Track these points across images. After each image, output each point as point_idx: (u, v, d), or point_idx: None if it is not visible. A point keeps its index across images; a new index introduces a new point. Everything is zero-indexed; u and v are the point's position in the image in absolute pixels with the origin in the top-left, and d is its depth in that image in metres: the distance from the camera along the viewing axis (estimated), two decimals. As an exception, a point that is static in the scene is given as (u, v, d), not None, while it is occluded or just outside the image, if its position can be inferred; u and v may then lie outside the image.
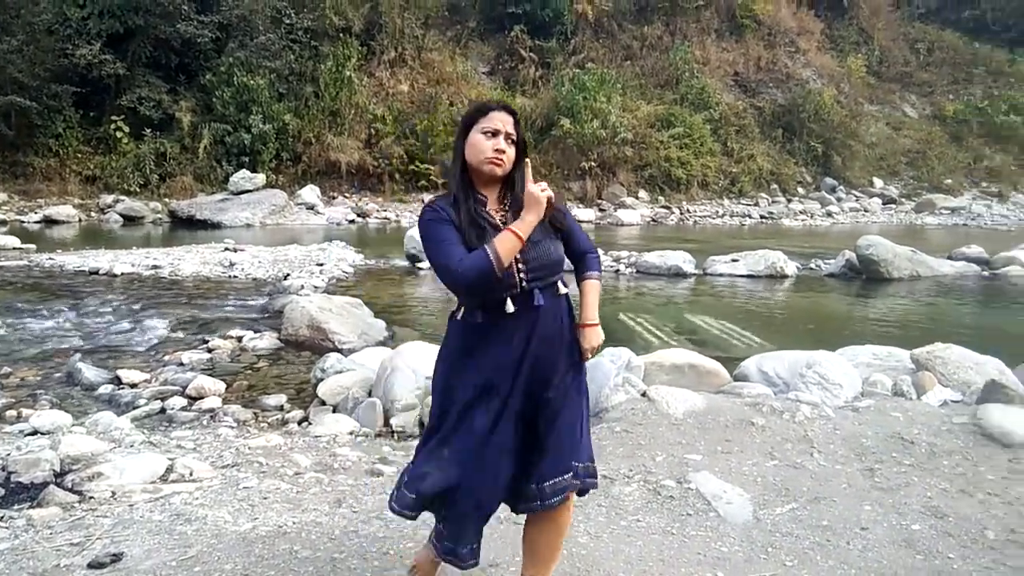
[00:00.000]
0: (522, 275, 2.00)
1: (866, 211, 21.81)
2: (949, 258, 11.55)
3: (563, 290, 2.11)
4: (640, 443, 3.70)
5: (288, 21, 19.80)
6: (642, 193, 21.86)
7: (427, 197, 19.87)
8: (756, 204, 22.19)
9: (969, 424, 3.68)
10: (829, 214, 21.09)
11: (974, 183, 25.83)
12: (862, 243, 10.59)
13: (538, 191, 1.98)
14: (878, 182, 24.64)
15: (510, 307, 1.99)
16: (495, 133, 2.03)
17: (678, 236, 15.78)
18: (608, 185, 21.70)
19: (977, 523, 2.97)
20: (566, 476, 2.11)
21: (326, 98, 19.90)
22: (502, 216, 2.07)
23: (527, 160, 2.14)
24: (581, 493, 2.23)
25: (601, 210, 20.31)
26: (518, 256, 1.98)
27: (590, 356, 2.19)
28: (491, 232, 1.99)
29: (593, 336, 2.17)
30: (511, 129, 2.06)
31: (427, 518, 2.30)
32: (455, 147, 2.11)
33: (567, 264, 2.15)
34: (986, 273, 11.07)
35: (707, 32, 27.01)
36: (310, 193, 18.25)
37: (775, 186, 23.45)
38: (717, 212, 21.08)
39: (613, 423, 3.91)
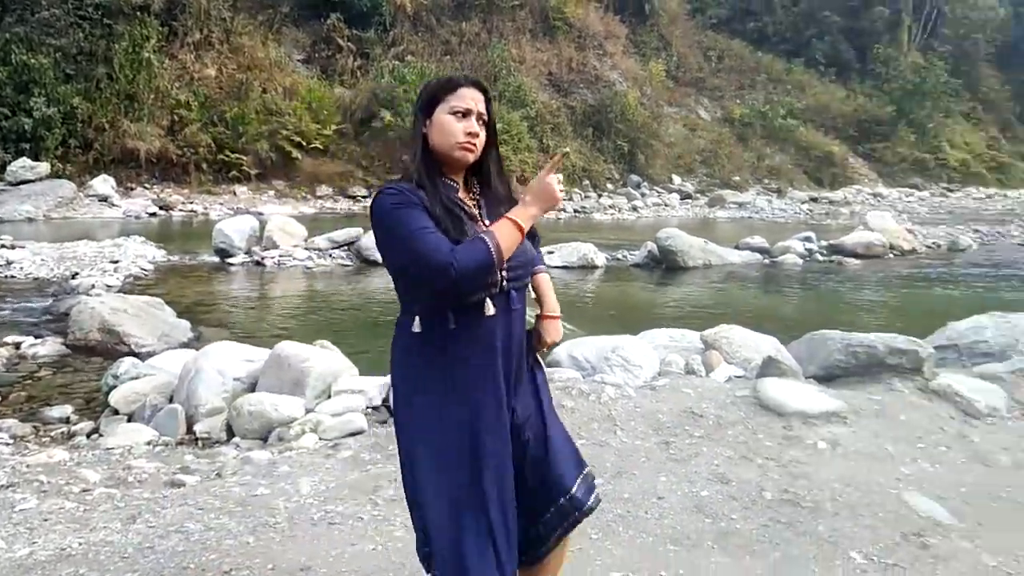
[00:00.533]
0: (503, 273, 1.73)
1: (667, 206, 23.45)
2: (736, 248, 12.70)
3: (532, 294, 1.92)
4: (456, 433, 3.75)
5: (75, -5, 17.93)
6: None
7: (239, 189, 18.96)
8: (570, 199, 23.15)
9: (749, 397, 4.09)
10: (635, 208, 22.45)
11: (758, 180, 28.56)
12: (661, 235, 11.41)
13: (556, 185, 1.76)
14: (676, 179, 26.56)
15: (491, 309, 1.71)
16: (466, 113, 1.76)
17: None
18: (429, 179, 21.72)
19: (756, 486, 3.31)
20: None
21: (121, 81, 18.23)
22: (473, 205, 1.83)
23: (564, 151, 1.99)
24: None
25: (423, 205, 20.30)
26: None
27: (547, 352, 2.04)
28: (469, 223, 1.73)
29: (554, 329, 1.98)
30: (483, 108, 1.79)
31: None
32: (414, 125, 1.82)
33: None
34: (767, 261, 12.30)
35: (522, 32, 27.75)
36: (103, 184, 16.67)
37: (587, 182, 24.60)
38: (534, 206, 21.75)
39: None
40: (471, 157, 1.79)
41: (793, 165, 30.01)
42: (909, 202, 27.16)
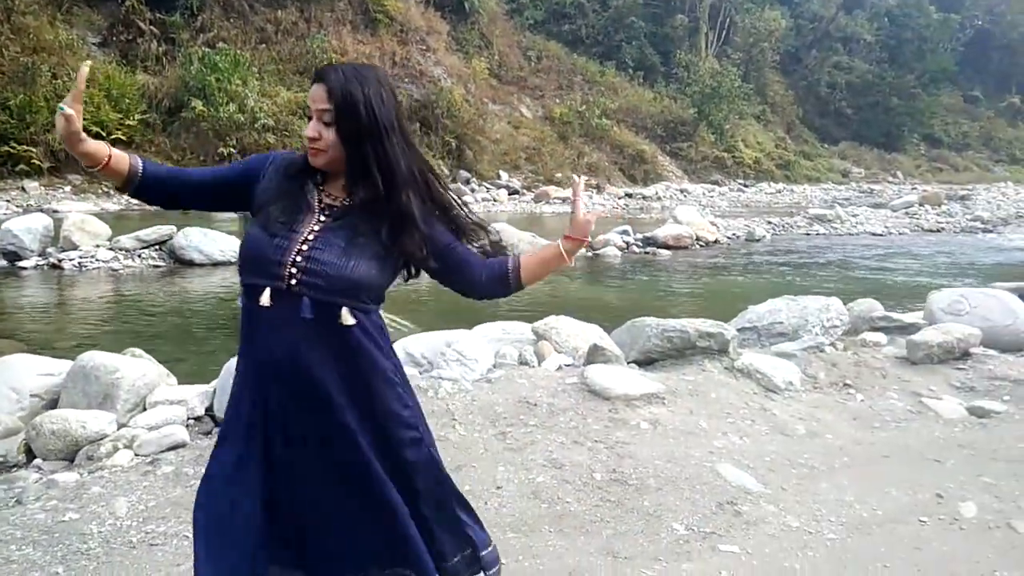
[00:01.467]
0: (292, 269, 1.60)
1: (496, 201, 23.91)
2: (562, 242, 13.21)
3: (349, 321, 1.62)
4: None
5: None
6: (285, 182, 21.26)
7: (29, 185, 17.02)
8: (398, 194, 23.01)
9: (578, 384, 4.28)
10: (465, 204, 22.67)
11: (578, 175, 29.86)
12: (491, 230, 11.63)
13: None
14: (504, 175, 27.14)
15: (266, 300, 1.59)
16: (311, 114, 1.66)
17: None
18: (249, 173, 20.68)
19: (587, 468, 3.48)
20: None
21: None
22: (340, 206, 1.69)
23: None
24: None
25: (243, 200, 19.29)
26: (300, 246, 1.60)
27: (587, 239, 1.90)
28: (298, 213, 1.64)
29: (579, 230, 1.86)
30: (325, 105, 1.62)
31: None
32: None
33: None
34: (590, 254, 12.90)
35: (342, 23, 27.09)
36: None
37: (415, 177, 24.54)
38: (361, 202, 21.40)
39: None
40: (318, 161, 1.66)
41: (609, 163, 31.62)
42: (711, 197, 29.52)
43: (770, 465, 3.62)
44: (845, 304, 5.82)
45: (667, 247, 13.46)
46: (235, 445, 1.69)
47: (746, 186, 34.79)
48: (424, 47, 29.04)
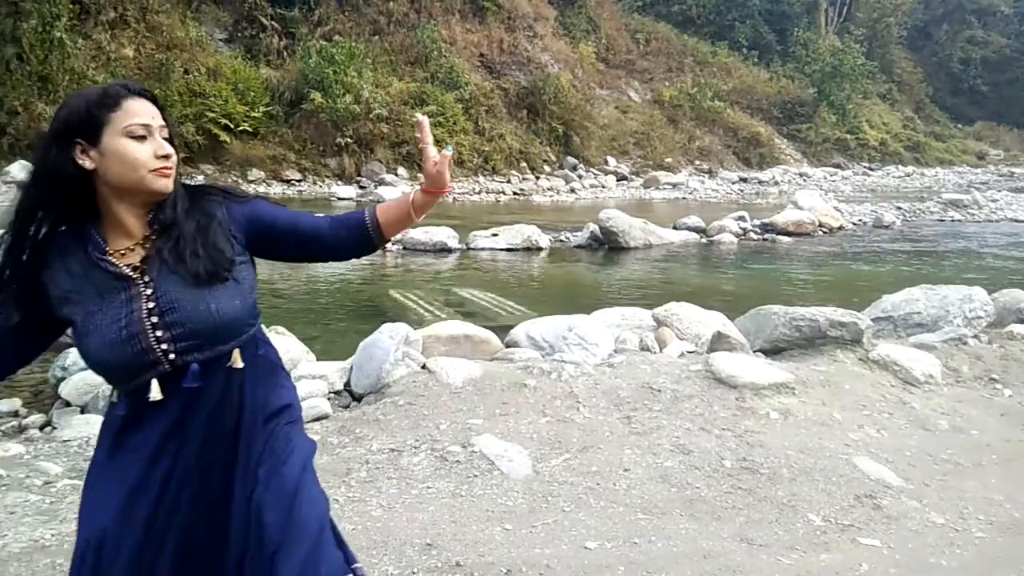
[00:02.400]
0: (164, 345, 1.36)
1: (603, 187, 23.76)
2: (674, 228, 13.01)
3: (239, 364, 1.45)
4: (424, 414, 3.78)
5: (-23, -31, 16.89)
6: (401, 170, 21.85)
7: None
8: (508, 181, 23.20)
9: (703, 371, 4.24)
10: (572, 190, 22.68)
11: (689, 161, 29.20)
12: (603, 216, 11.60)
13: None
14: (611, 160, 26.91)
15: (156, 393, 1.37)
16: (146, 132, 1.40)
17: (440, 212, 16.00)
18: (367, 162, 21.39)
19: (716, 455, 3.46)
20: None
21: (32, 62, 17.30)
22: (135, 260, 1.41)
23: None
24: None
25: (361, 187, 19.98)
26: (154, 319, 1.36)
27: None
28: (114, 290, 1.38)
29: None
30: (161, 121, 1.43)
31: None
32: (46, 162, 1.37)
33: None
34: (704, 240, 12.65)
35: (451, 12, 27.50)
36: (21, 170, 15.80)
37: (524, 164, 24.68)
38: (474, 189, 21.73)
39: (396, 397, 3.95)
40: (171, 183, 1.43)
41: (722, 146, 30.76)
42: (833, 181, 28.24)
43: (910, 460, 3.49)
44: (989, 294, 5.48)
45: (787, 234, 13.01)
46: None
47: (871, 169, 33.08)
48: (531, 33, 29.09)
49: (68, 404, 4.11)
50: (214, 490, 1.42)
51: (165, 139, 1.42)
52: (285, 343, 4.36)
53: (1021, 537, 2.87)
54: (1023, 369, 4.50)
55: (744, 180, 26.83)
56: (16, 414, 4.12)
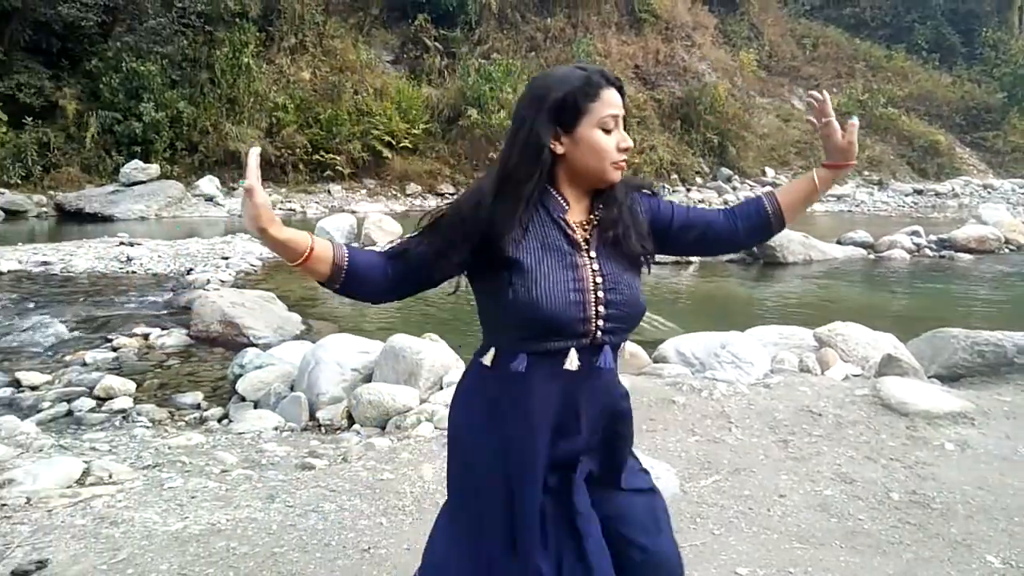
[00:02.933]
0: (600, 321, 1.43)
1: (760, 199, 22.82)
2: (838, 242, 12.26)
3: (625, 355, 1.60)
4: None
5: (180, 5, 18.88)
6: (549, 182, 22.14)
7: (333, 188, 19.60)
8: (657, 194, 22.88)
9: (870, 396, 3.96)
10: (726, 202, 21.98)
11: (857, 172, 27.43)
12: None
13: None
14: (770, 171, 25.81)
15: (574, 362, 1.42)
16: (615, 124, 1.45)
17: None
18: (516, 175, 21.85)
19: (882, 486, 3.21)
20: None
21: (223, 85, 19.14)
22: (585, 234, 1.47)
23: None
24: None
25: (510, 200, 20.44)
26: (599, 293, 1.42)
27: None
28: (569, 254, 1.44)
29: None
30: (622, 111, 1.47)
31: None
32: (530, 137, 1.42)
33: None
34: (872, 256, 11.82)
35: (608, 25, 27.54)
36: (209, 184, 17.53)
37: (675, 176, 24.21)
38: (622, 201, 21.63)
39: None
40: (620, 175, 1.48)
41: (895, 156, 28.67)
42: (1023, 194, 25.55)
43: (1112, 504, 3.07)
44: None
45: (968, 251, 11.90)
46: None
47: (1069, 181, 29.58)
48: (689, 43, 28.54)
49: (243, 399, 4.48)
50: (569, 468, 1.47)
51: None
52: (437, 349, 4.52)
53: None
54: None
55: (919, 192, 24.86)
56: (198, 407, 4.55)
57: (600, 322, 1.42)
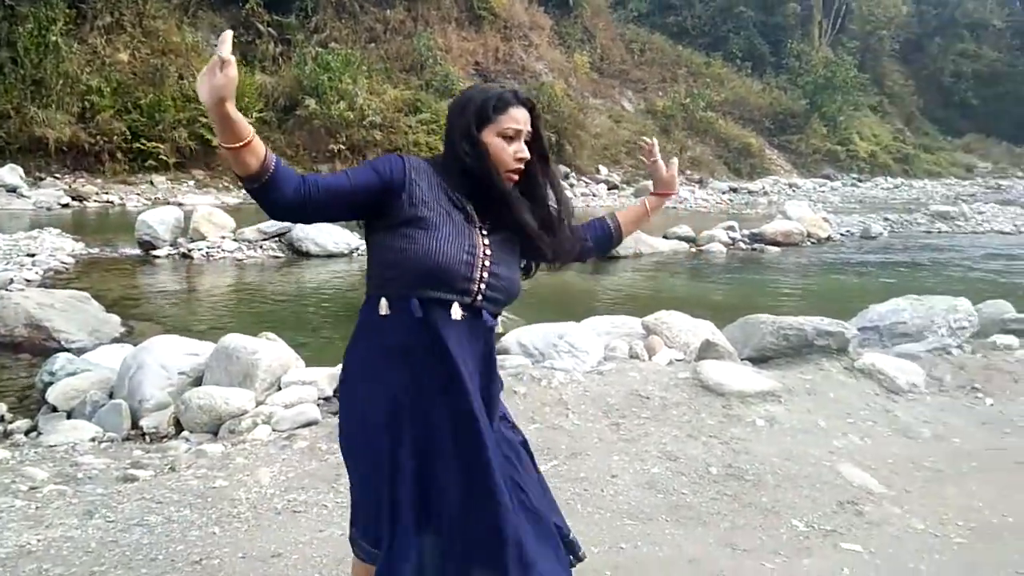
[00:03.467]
0: (482, 284, 1.67)
1: (595, 196, 23.83)
2: (664, 237, 13.05)
3: (499, 328, 1.87)
4: (411, 420, 3.79)
5: (-27, -27, 16.89)
6: (391, 177, 21.89)
7: (157, 179, 18.28)
8: (499, 189, 23.29)
9: (691, 379, 4.27)
10: (564, 198, 22.72)
11: (680, 171, 29.27)
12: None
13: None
14: (603, 169, 27.00)
15: (457, 314, 1.63)
16: (515, 135, 1.71)
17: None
18: (358, 168, 21.42)
19: (703, 462, 3.48)
20: None
21: (26, 65, 17.28)
22: (480, 220, 1.71)
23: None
24: None
25: (352, 194, 20.00)
26: (487, 263, 1.67)
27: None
28: (463, 224, 1.67)
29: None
30: (528, 127, 1.73)
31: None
32: (462, 132, 1.69)
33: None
34: (693, 249, 12.70)
35: (448, 20, 27.61)
36: (11, 173, 15.78)
37: (515, 172, 24.76)
38: (462, 196, 21.80)
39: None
40: (509, 183, 1.72)
41: (714, 156, 30.92)
42: (823, 192, 28.40)
43: (893, 467, 3.52)
44: (974, 305, 5.54)
45: (776, 244, 13.08)
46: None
47: (860, 181, 33.26)
48: (527, 42, 29.23)
49: (55, 409, 4.10)
50: (461, 414, 1.66)
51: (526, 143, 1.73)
52: (275, 349, 4.37)
53: (999, 542, 2.90)
54: (1005, 379, 4.54)
55: (734, 190, 26.95)
56: (1, 419, 4.11)
57: (482, 286, 1.65)
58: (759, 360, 4.72)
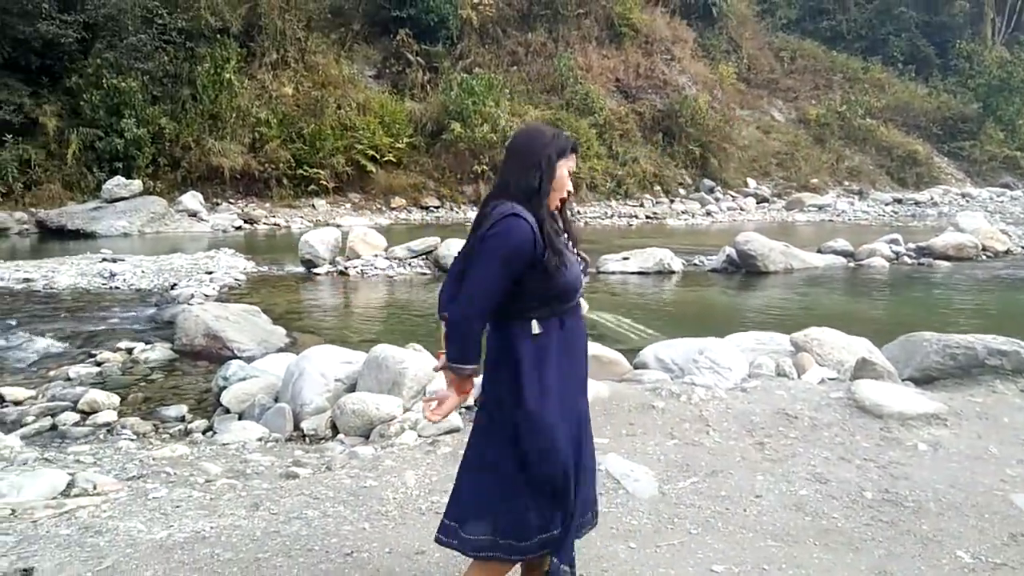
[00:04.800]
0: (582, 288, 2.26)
1: (742, 210, 23.07)
2: (818, 251, 12.42)
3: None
4: (550, 431, 3.84)
5: (160, 21, 18.89)
6: (534, 196, 22.23)
7: (318, 203, 19.61)
8: (641, 205, 23.03)
9: (844, 399, 4.05)
10: (708, 213, 22.16)
11: (837, 182, 27.77)
12: (740, 239, 11.25)
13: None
14: (752, 182, 26.07)
15: (585, 307, 2.32)
16: (570, 174, 2.18)
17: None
18: (500, 188, 21.92)
19: (856, 486, 3.29)
20: None
21: (204, 101, 19.13)
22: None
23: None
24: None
25: (496, 213, 20.50)
26: (582, 277, 2.24)
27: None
28: (568, 246, 2.19)
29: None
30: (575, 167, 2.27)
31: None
32: (540, 167, 2.09)
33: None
34: (851, 264, 11.99)
35: (588, 40, 27.78)
36: (192, 199, 17.49)
37: (658, 187, 24.41)
38: (606, 213, 21.74)
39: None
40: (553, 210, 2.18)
41: (874, 166, 29.05)
42: (1001, 202, 25.93)
43: (1080, 500, 3.16)
44: None
45: (946, 258, 12.09)
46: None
47: (1044, 189, 30.07)
48: (669, 56, 28.85)
49: (228, 411, 4.50)
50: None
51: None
52: (421, 359, 4.57)
53: None
54: None
55: (899, 201, 25.17)
56: (183, 419, 4.56)
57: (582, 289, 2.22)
58: (922, 381, 4.40)
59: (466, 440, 3.80)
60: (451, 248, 11.16)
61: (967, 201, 25.62)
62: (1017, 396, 4.13)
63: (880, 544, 2.85)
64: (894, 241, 12.83)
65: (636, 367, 4.83)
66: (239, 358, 5.58)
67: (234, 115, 19.51)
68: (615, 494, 3.21)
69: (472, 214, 19.97)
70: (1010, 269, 11.75)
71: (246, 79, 20.50)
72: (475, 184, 21.61)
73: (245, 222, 17.25)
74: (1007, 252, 12.97)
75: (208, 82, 19.12)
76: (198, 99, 19.09)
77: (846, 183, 27.57)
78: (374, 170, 20.47)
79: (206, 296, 8.58)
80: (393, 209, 20.11)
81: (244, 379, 4.75)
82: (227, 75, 19.32)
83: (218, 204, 18.46)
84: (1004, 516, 3.04)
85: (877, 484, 3.31)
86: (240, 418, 4.40)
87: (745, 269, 11.07)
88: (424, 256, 11.39)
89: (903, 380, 4.38)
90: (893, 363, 4.54)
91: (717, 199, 23.95)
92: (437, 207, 20.70)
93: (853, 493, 3.22)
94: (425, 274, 10.94)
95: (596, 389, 4.21)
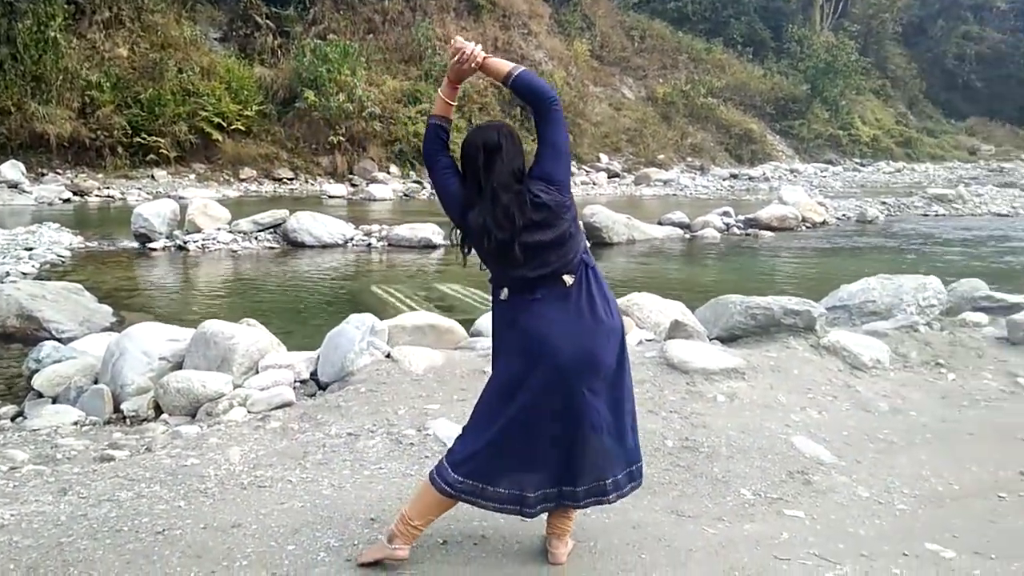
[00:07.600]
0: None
1: (595, 184, 23.87)
2: (659, 223, 13.13)
3: (568, 281, 2.38)
4: (384, 400, 3.92)
5: (-29, -30, 17.02)
6: (393, 168, 21.97)
7: (158, 173, 18.44)
8: (498, 178, 23.32)
9: (657, 357, 4.38)
10: (563, 187, 22.76)
11: (681, 158, 29.30)
12: (586, 212, 11.72)
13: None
14: (604, 157, 27.01)
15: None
16: None
17: (429, 210, 16.15)
18: (359, 160, 21.49)
19: (659, 435, 3.59)
20: None
21: (26, 61, 17.43)
22: None
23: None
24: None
25: (353, 185, 20.10)
26: None
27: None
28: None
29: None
30: None
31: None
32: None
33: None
34: (687, 235, 12.78)
35: (446, 10, 27.58)
36: (12, 169, 15.96)
37: (516, 161, 24.78)
38: (464, 186, 21.85)
39: (359, 384, 4.09)
40: None
41: (715, 143, 30.86)
42: (824, 177, 28.32)
43: (847, 439, 3.63)
44: (947, 284, 5.62)
45: (770, 229, 13.15)
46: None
47: (862, 165, 33.14)
48: (526, 31, 29.19)
49: (40, 395, 4.24)
50: None
51: None
52: (253, 334, 4.50)
53: (941, 509, 3.01)
54: (969, 354, 4.63)
55: (735, 176, 26.92)
56: (-12, 405, 4.26)
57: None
58: (728, 339, 4.82)
59: (297, 415, 3.83)
60: (300, 221, 10.90)
61: (795, 176, 27.77)
62: (807, 351, 4.62)
63: (675, 486, 3.15)
64: (726, 214, 13.78)
65: (472, 335, 4.98)
66: (57, 339, 5.25)
67: (60, 77, 17.90)
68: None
69: (328, 186, 19.44)
70: (824, 239, 12.95)
71: (74, 38, 18.84)
72: (331, 155, 21.05)
73: (75, 194, 15.96)
74: (823, 223, 14.27)
75: (30, 40, 17.41)
76: (19, 59, 17.37)
77: (689, 159, 29.13)
78: (220, 139, 19.48)
79: (24, 274, 7.95)
80: (242, 181, 19.25)
81: (59, 361, 4.48)
82: (52, 33, 17.68)
83: (43, 175, 16.98)
84: (784, 457, 3.43)
85: (679, 433, 3.63)
86: (54, 402, 4.16)
87: (592, 241, 11.53)
88: (272, 230, 11.04)
89: (711, 339, 4.79)
90: (704, 324, 4.95)
91: (573, 173, 24.60)
92: (291, 179, 20.03)
93: (656, 442, 3.52)
94: (273, 248, 10.64)
95: (431, 357, 4.33)
